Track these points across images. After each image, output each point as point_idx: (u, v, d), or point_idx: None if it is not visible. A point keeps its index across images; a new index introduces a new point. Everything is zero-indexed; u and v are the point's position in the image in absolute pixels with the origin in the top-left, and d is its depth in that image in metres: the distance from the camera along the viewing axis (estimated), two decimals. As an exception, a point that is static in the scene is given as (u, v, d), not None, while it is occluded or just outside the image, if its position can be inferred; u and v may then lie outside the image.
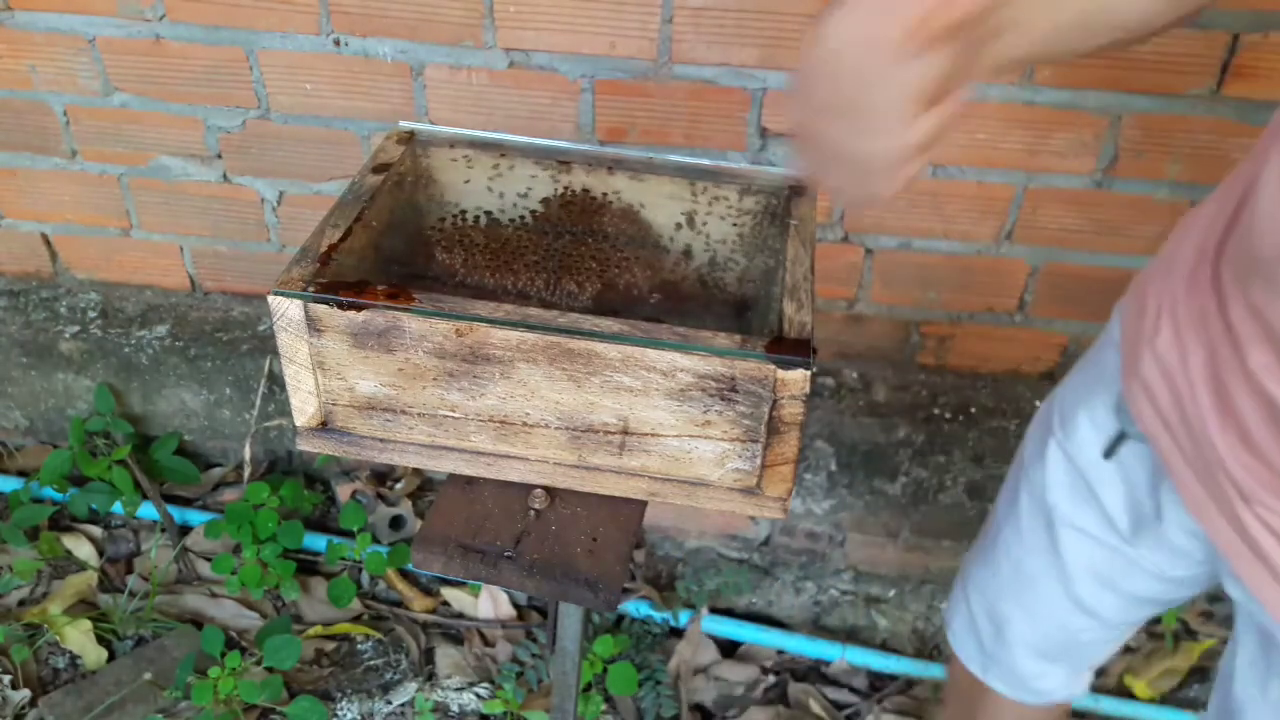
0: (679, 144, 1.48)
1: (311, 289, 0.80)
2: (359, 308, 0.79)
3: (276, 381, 1.72)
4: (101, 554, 1.75)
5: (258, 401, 1.74)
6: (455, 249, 0.94)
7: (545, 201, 0.99)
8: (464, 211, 1.01)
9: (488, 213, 1.02)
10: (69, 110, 1.59)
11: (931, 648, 1.82)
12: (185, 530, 1.78)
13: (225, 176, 1.63)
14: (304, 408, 0.86)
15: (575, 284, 0.92)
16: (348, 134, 1.55)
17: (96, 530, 1.77)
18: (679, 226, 1.02)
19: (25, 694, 1.49)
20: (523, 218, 1.00)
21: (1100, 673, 1.54)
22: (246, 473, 1.75)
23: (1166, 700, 1.70)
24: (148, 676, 1.46)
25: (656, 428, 0.83)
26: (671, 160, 1.01)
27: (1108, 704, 1.68)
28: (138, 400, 1.79)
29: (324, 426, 0.87)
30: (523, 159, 1.01)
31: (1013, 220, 1.54)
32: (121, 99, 1.57)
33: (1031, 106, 1.41)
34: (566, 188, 0.99)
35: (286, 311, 0.80)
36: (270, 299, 0.80)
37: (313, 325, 0.81)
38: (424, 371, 0.82)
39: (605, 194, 0.99)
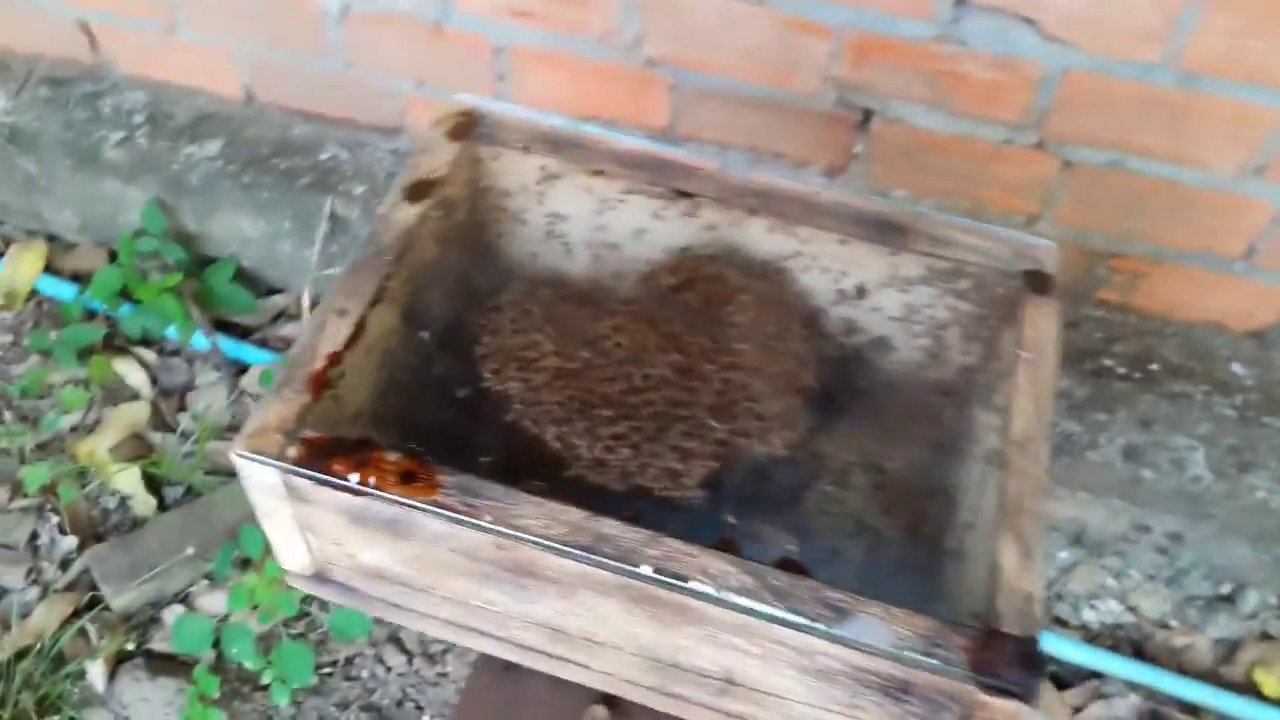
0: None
1: (292, 449, 0.58)
2: (355, 492, 0.57)
3: (339, 224, 1.55)
4: (155, 383, 1.65)
5: (318, 242, 1.56)
6: (509, 365, 0.68)
7: (660, 272, 0.70)
8: (532, 289, 0.72)
9: (567, 288, 0.73)
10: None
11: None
12: (241, 368, 1.66)
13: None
14: (291, 557, 0.66)
15: (679, 458, 0.66)
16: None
17: (150, 355, 1.67)
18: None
19: (73, 542, 1.45)
20: (621, 304, 0.71)
21: (1229, 659, 1.43)
22: (303, 321, 1.59)
23: (1300, 701, 1.52)
24: (190, 551, 1.40)
25: (776, 690, 0.61)
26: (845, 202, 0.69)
27: (1228, 702, 1.50)
28: (191, 220, 1.64)
29: (320, 577, 0.68)
30: (626, 179, 0.71)
31: (1269, 154, 1.22)
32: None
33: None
34: (692, 253, 0.68)
35: (255, 475, 0.59)
36: (234, 459, 0.58)
37: (295, 494, 0.60)
38: (450, 565, 0.61)
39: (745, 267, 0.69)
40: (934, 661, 0.56)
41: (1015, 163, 1.32)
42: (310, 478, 0.59)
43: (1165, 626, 1.51)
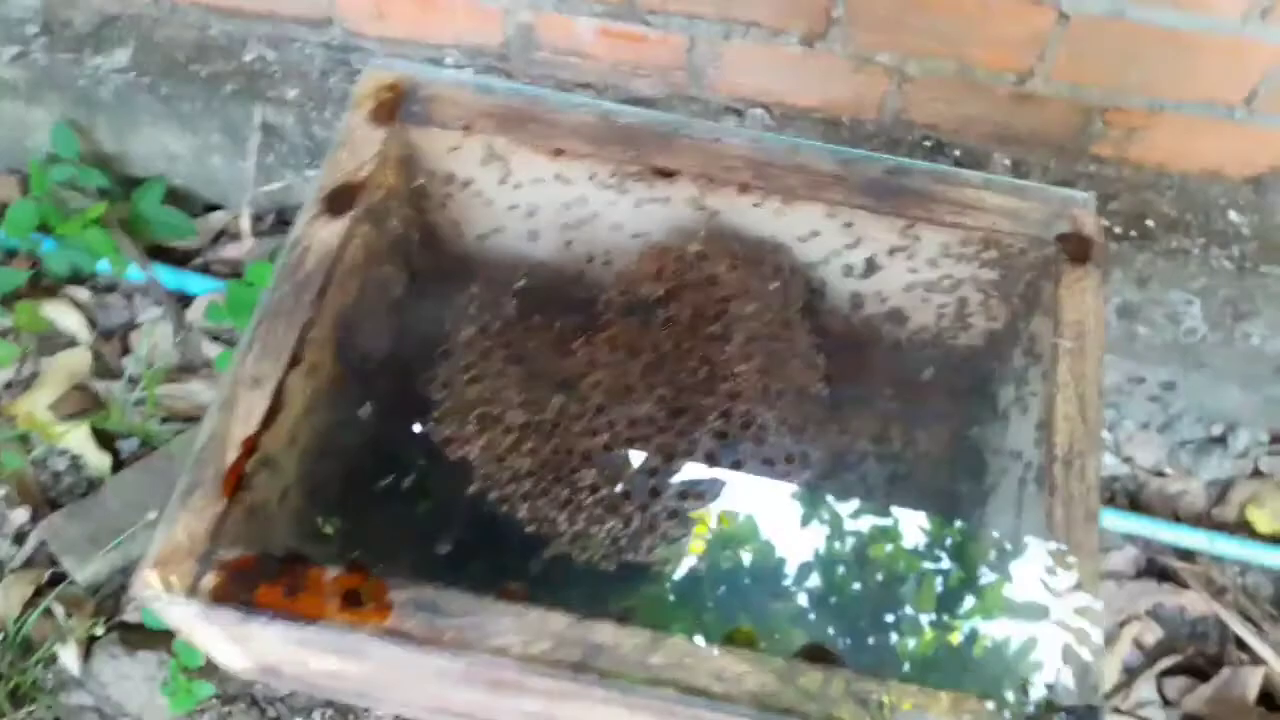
0: None
1: (208, 578, 0.47)
2: (291, 623, 0.47)
3: (273, 133, 1.40)
4: (92, 325, 1.52)
5: (252, 155, 1.41)
6: (467, 425, 0.55)
7: (639, 279, 0.57)
8: (487, 318, 0.59)
9: (532, 309, 0.59)
10: None
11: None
12: (185, 300, 1.53)
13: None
14: (230, 662, 0.56)
15: (679, 523, 0.54)
16: None
17: (83, 294, 1.53)
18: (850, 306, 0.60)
19: (25, 514, 1.36)
20: (597, 318, 0.58)
21: (1222, 499, 1.46)
22: (245, 243, 1.45)
23: (1289, 536, 1.50)
24: (152, 516, 1.30)
25: None
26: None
27: (1222, 543, 1.47)
28: (108, 140, 1.47)
29: (269, 672, 0.58)
30: (593, 158, 0.57)
31: (1279, -7, 1.12)
32: None
33: None
34: (669, 245, 0.55)
35: (167, 610, 0.48)
36: (139, 594, 0.47)
37: (219, 623, 0.49)
38: (416, 681, 0.51)
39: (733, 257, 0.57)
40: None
41: (1007, 18, 1.23)
42: (234, 612, 0.48)
43: (1159, 474, 1.50)
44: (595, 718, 0.53)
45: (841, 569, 0.60)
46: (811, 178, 0.61)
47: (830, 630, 0.57)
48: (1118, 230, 1.41)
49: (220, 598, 0.48)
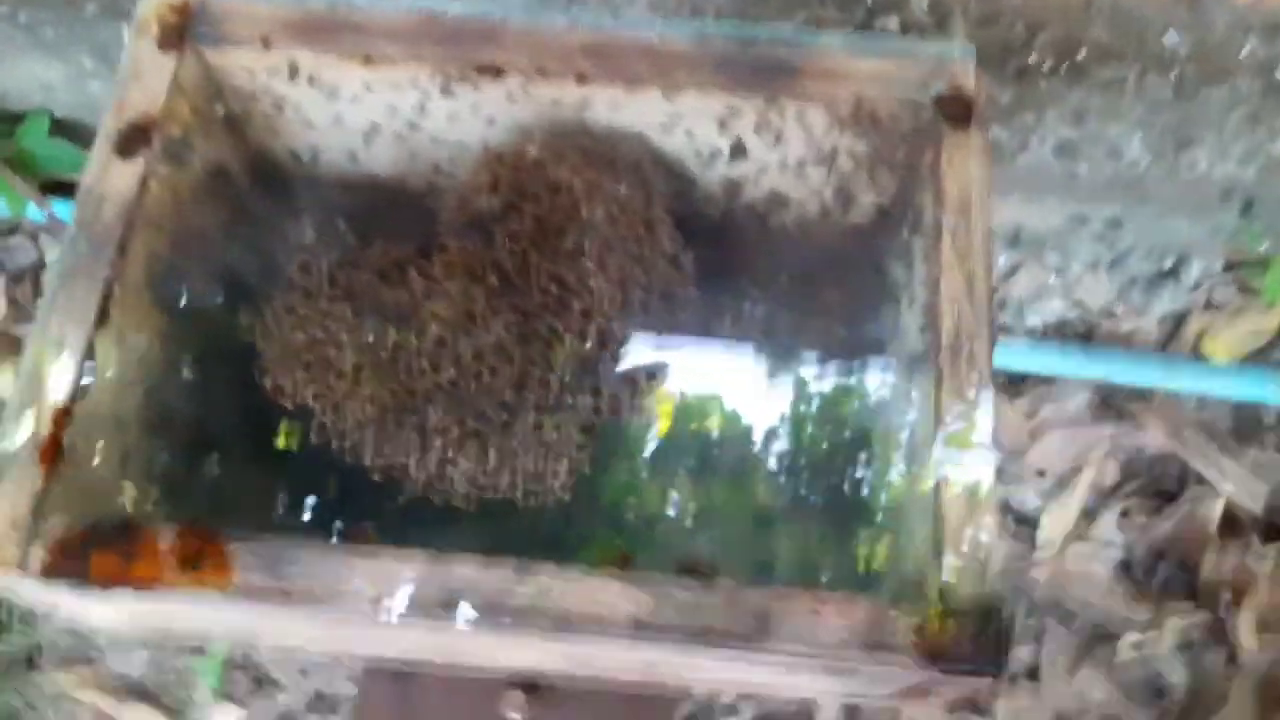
0: None
1: (36, 553, 0.45)
2: (134, 592, 0.45)
3: (150, 52, 1.32)
4: (1, 270, 1.48)
5: None
6: (297, 372, 0.52)
7: (472, 194, 0.52)
8: (312, 254, 0.54)
9: (360, 238, 0.55)
10: None
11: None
12: (90, 235, 1.48)
13: None
14: (111, 627, 0.54)
15: (539, 454, 0.51)
16: None
17: None
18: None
19: None
20: (427, 243, 0.54)
21: (1175, 335, 1.46)
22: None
23: (1246, 365, 1.51)
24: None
25: (705, 669, 0.52)
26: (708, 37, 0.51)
27: (1178, 374, 1.47)
28: None
29: (157, 633, 0.56)
30: (410, 62, 0.53)
31: None
32: None
33: None
34: (502, 152, 0.51)
35: (8, 587, 0.46)
36: None
37: (56, 598, 0.47)
38: (285, 630, 0.49)
39: (574, 153, 0.52)
40: (879, 665, 0.47)
41: None
42: (69, 586, 0.46)
43: (1110, 314, 1.50)
44: (475, 648, 0.52)
45: (710, 482, 0.58)
46: (658, 60, 0.56)
47: (705, 546, 0.55)
48: (1048, 66, 1.35)
49: (52, 572, 0.46)
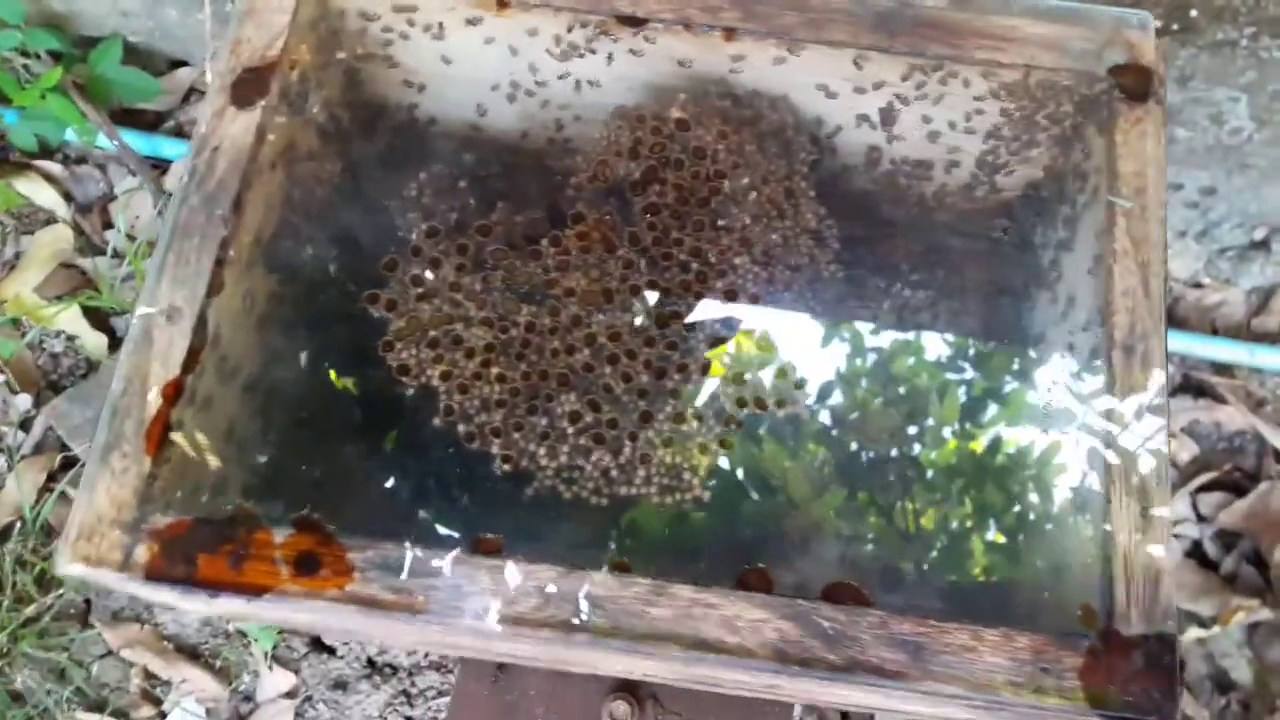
0: None
1: (140, 550, 0.42)
2: (241, 592, 0.42)
3: (229, -27, 1.28)
4: (69, 200, 1.46)
5: (208, 5, 1.31)
6: (423, 349, 0.48)
7: (612, 159, 0.48)
8: (436, 218, 0.50)
9: (485, 200, 0.50)
10: None
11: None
12: (162, 166, 1.46)
13: None
14: (194, 612, 0.52)
15: (677, 449, 0.47)
16: None
17: (56, 167, 1.45)
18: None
19: (27, 400, 1.33)
20: (566, 208, 0.49)
21: (1263, 308, 1.40)
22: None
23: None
24: (153, 398, 1.27)
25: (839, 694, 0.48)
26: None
27: (1262, 354, 1.40)
28: None
29: (239, 618, 0.54)
30: (545, 8, 0.48)
31: None
32: None
33: None
34: (644, 113, 0.46)
35: (102, 584, 0.43)
36: (65, 571, 0.42)
37: (158, 599, 0.44)
38: (396, 636, 0.46)
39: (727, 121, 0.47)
40: (1039, 701, 0.43)
41: None
42: (174, 589, 0.43)
43: (1197, 285, 1.45)
44: (594, 662, 0.49)
45: (862, 501, 0.54)
46: (811, 15, 0.51)
47: (861, 565, 0.51)
48: (1157, 25, 1.28)
49: (156, 573, 0.43)
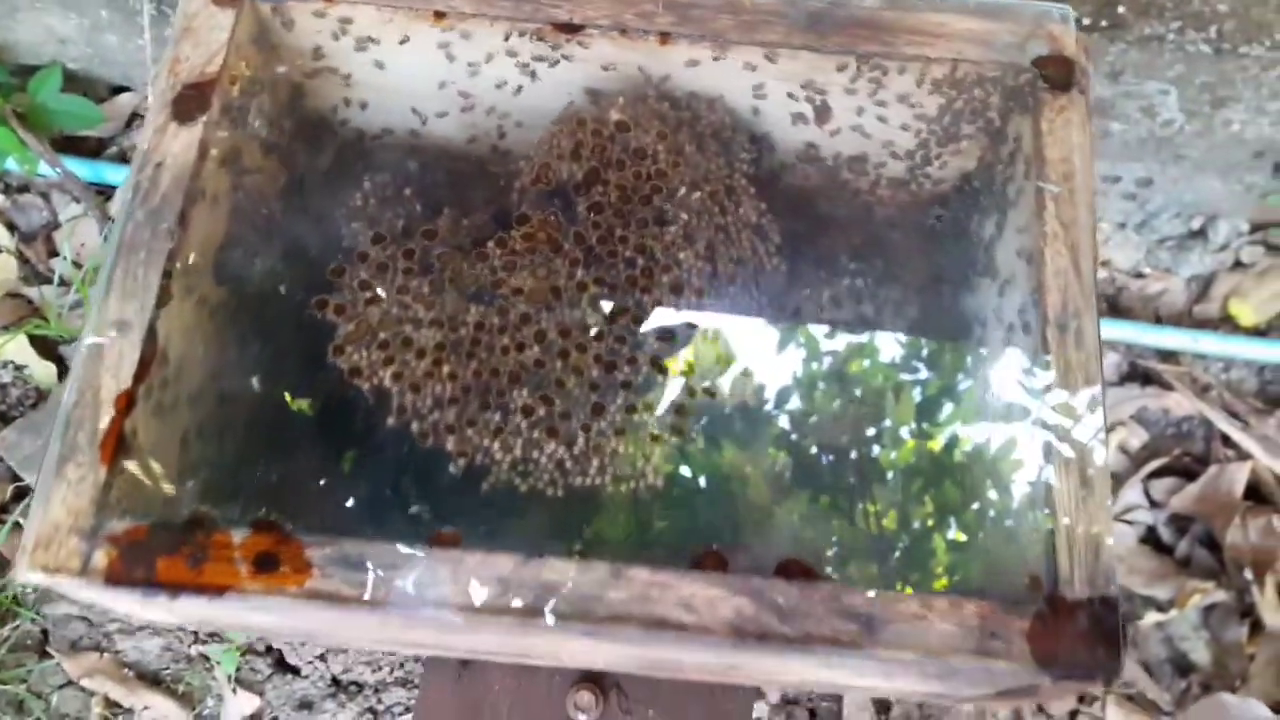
0: None
1: (99, 555, 0.42)
2: (201, 592, 0.42)
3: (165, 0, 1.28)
4: (12, 229, 1.44)
5: (146, 29, 1.31)
6: (373, 351, 0.49)
7: (554, 162, 0.49)
8: (382, 224, 0.51)
9: (430, 207, 0.51)
10: None
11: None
12: (106, 192, 1.45)
13: None
14: (158, 620, 0.52)
15: (622, 438, 0.48)
16: None
17: None
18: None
19: None
20: (511, 211, 0.50)
21: (1203, 295, 1.44)
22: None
23: (1272, 326, 1.50)
24: (105, 425, 1.26)
25: (794, 672, 0.50)
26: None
27: (1205, 340, 1.46)
28: None
29: (206, 628, 0.54)
30: (481, 18, 0.49)
31: None
32: None
33: None
34: (584, 117, 0.48)
35: (65, 589, 0.43)
36: (25, 579, 0.42)
37: (120, 604, 0.44)
38: (357, 634, 0.47)
39: (663, 122, 0.49)
40: (989, 665, 0.44)
41: None
42: (135, 592, 0.43)
43: (1139, 275, 1.49)
44: (555, 650, 0.49)
45: (810, 483, 0.55)
46: (744, 17, 0.53)
47: (811, 545, 0.53)
48: (1087, 21, 1.31)
49: (116, 578, 0.43)
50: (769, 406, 0.56)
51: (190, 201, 0.47)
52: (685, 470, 0.53)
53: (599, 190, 0.53)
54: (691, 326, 0.53)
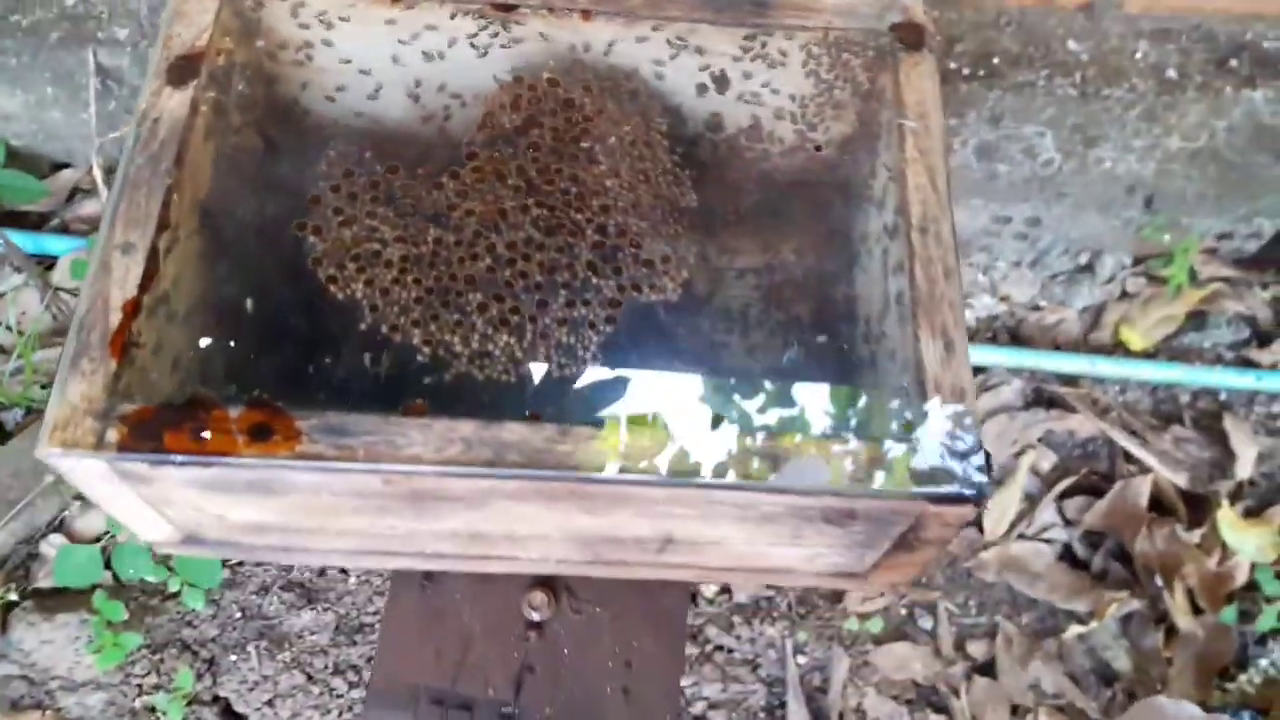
0: None
1: (112, 432, 0.47)
2: (203, 464, 0.48)
3: (110, 77, 1.33)
4: (-48, 301, 1.46)
5: (92, 103, 1.36)
6: (347, 265, 0.57)
7: (497, 111, 0.58)
8: (352, 163, 0.60)
9: (393, 150, 0.60)
10: None
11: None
12: (47, 262, 1.48)
13: None
14: (150, 531, 0.57)
15: (568, 330, 0.57)
16: None
17: None
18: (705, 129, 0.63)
19: None
20: (456, 156, 0.59)
21: (1096, 324, 1.52)
22: (102, 196, 1.40)
23: (1160, 349, 1.60)
24: (50, 478, 1.28)
25: (717, 539, 0.56)
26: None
27: (1101, 364, 1.56)
28: None
29: (191, 540, 0.59)
30: (432, 4, 0.58)
31: None
32: None
33: None
34: (521, 75, 0.57)
35: (77, 471, 0.48)
36: (45, 459, 0.47)
37: (132, 478, 0.50)
38: (336, 508, 0.53)
39: (589, 77, 0.58)
40: (881, 496, 0.52)
41: None
42: (144, 460, 0.49)
43: (1036, 308, 1.57)
44: (516, 525, 0.55)
45: (728, 360, 0.63)
46: (652, -3, 0.63)
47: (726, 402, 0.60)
48: (966, 71, 1.43)
49: (127, 449, 0.49)
50: (691, 301, 0.64)
51: (184, 148, 0.54)
52: (617, 350, 0.61)
53: (536, 133, 0.62)
54: (621, 237, 0.61)
